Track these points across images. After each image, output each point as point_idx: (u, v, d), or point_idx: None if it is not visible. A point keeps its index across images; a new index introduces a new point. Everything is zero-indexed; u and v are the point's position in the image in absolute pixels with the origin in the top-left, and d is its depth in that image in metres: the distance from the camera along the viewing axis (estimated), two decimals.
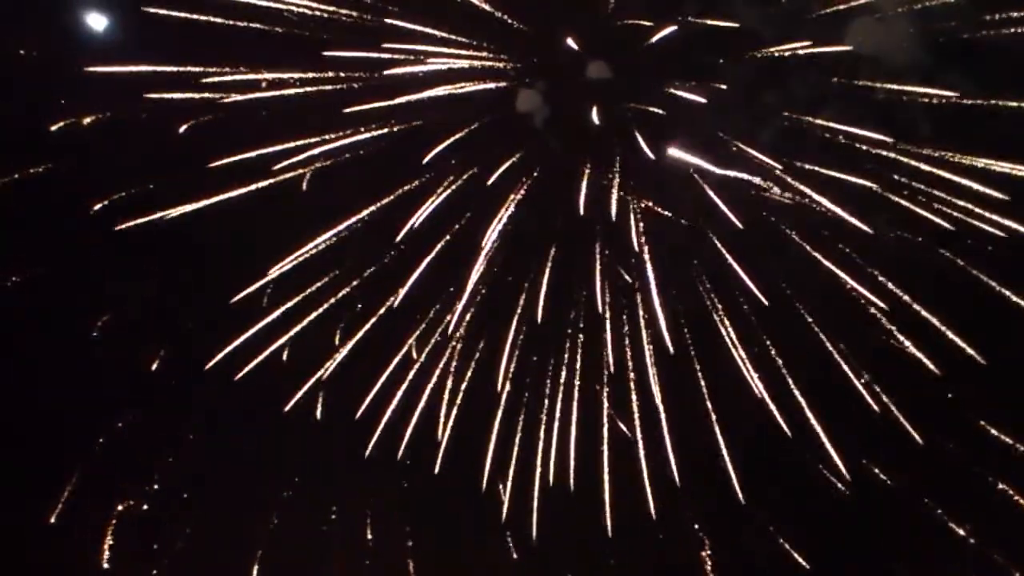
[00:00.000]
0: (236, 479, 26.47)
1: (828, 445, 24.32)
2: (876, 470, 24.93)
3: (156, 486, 26.06)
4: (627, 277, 24.48)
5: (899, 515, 25.35)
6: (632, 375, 24.96)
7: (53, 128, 23.63)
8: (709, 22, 23.06)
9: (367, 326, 24.96)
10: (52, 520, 24.83)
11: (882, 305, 23.57)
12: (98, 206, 23.95)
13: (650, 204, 24.37)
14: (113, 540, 25.64)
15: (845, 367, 24.01)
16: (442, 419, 25.29)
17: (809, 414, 24.25)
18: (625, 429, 25.26)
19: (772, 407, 24.26)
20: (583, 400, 25.50)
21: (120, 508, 25.73)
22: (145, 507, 26.01)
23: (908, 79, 22.91)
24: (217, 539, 26.44)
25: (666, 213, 24.38)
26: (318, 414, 25.21)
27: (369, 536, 26.83)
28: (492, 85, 23.93)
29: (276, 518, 26.55)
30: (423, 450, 25.64)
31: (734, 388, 24.44)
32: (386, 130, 23.77)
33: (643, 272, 24.19)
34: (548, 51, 24.00)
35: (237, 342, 23.99)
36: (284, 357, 24.55)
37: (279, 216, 23.82)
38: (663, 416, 24.74)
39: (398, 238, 23.90)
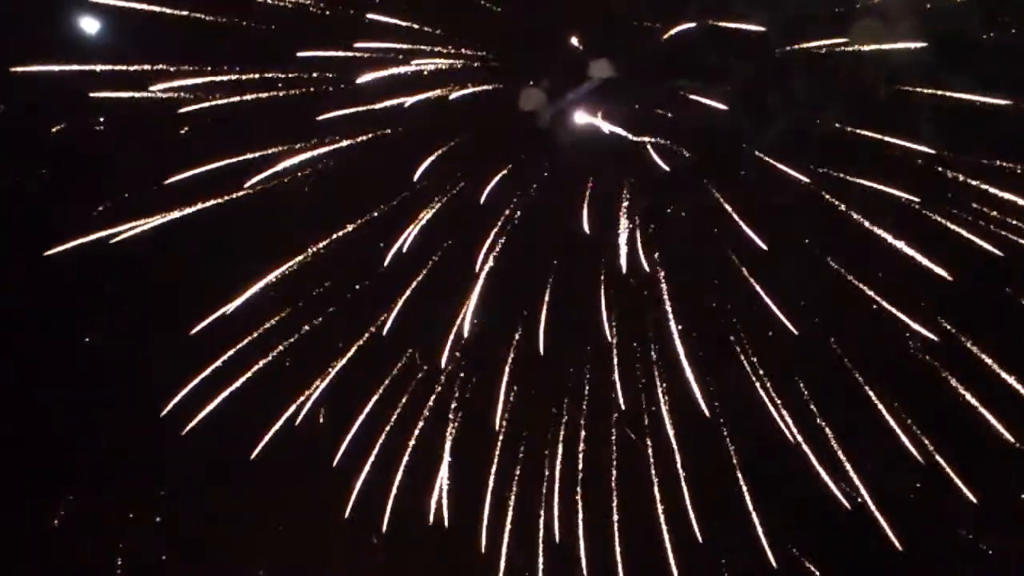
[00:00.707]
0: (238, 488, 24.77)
1: (868, 499, 22.13)
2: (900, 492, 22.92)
3: (163, 492, 25.06)
4: (638, 300, 22.80)
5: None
6: (645, 413, 23.22)
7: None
8: (731, 24, 21.42)
9: (344, 360, 23.09)
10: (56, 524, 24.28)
11: (927, 334, 21.32)
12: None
13: (663, 220, 22.68)
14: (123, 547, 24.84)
15: (880, 406, 21.95)
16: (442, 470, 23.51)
17: (844, 459, 22.18)
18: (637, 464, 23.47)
19: (807, 452, 22.18)
20: (591, 442, 23.73)
21: (131, 516, 24.90)
22: (158, 519, 25.11)
23: (953, 83, 20.93)
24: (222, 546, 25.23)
25: (681, 230, 22.77)
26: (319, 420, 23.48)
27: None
28: (481, 88, 22.00)
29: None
30: (412, 501, 23.70)
31: (760, 428, 22.48)
32: (365, 138, 21.97)
33: (656, 296, 22.57)
34: (546, 50, 22.33)
35: (187, 389, 22.27)
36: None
37: (244, 236, 22.41)
38: (678, 459, 22.94)
39: (385, 262, 22.27)
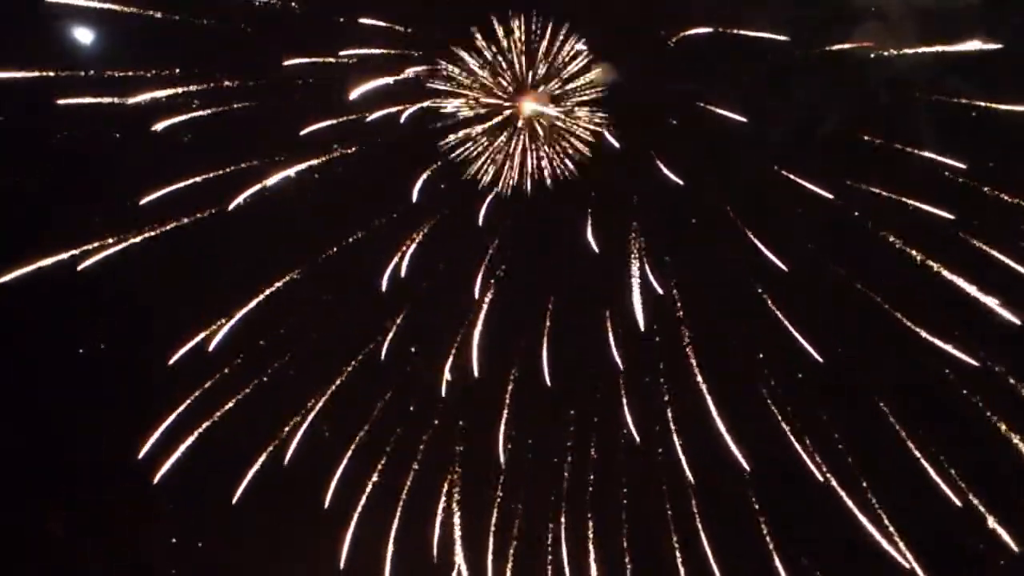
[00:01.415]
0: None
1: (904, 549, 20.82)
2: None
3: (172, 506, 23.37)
4: (648, 328, 21.82)
5: None
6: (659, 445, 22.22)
7: None
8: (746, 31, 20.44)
9: (330, 391, 22.03)
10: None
11: (967, 358, 19.93)
12: None
13: (675, 240, 21.79)
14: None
15: (913, 447, 20.64)
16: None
17: (874, 501, 20.96)
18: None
19: (841, 494, 20.97)
20: (600, 479, 22.80)
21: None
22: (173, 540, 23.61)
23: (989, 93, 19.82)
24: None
25: (695, 250, 21.83)
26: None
27: None
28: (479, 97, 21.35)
29: None
30: (410, 543, 22.60)
31: (785, 469, 21.38)
32: (356, 151, 21.09)
33: (668, 320, 21.70)
34: (548, 54, 21.31)
35: (161, 429, 21.06)
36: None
37: (225, 257, 21.39)
38: (694, 498, 21.99)
39: (383, 286, 21.50)
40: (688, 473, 21.68)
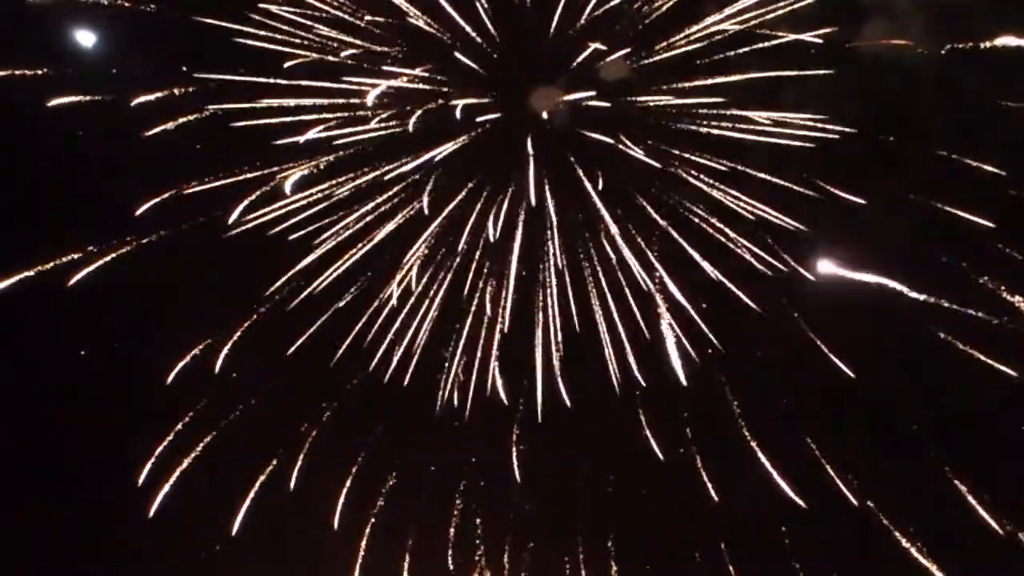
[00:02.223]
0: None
1: None
2: None
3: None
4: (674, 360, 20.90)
5: None
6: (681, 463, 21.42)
7: None
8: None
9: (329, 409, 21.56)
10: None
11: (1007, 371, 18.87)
12: None
13: (702, 262, 20.72)
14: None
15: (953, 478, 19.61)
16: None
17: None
18: None
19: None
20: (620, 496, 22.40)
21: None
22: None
23: None
24: None
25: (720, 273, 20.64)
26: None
27: None
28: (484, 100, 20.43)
29: None
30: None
31: (807, 479, 20.45)
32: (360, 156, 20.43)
33: (695, 345, 20.73)
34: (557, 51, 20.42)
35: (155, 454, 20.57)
36: None
37: (223, 269, 20.68)
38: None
39: (394, 299, 21.02)
40: (712, 492, 20.90)
